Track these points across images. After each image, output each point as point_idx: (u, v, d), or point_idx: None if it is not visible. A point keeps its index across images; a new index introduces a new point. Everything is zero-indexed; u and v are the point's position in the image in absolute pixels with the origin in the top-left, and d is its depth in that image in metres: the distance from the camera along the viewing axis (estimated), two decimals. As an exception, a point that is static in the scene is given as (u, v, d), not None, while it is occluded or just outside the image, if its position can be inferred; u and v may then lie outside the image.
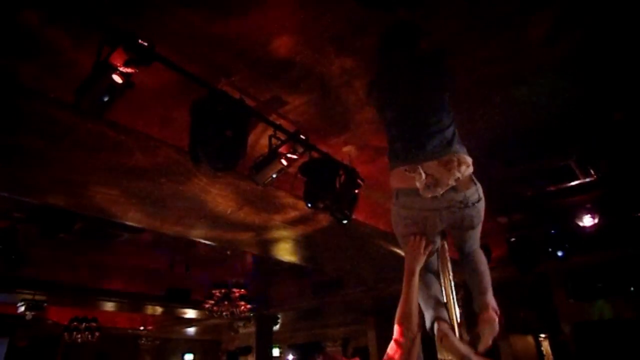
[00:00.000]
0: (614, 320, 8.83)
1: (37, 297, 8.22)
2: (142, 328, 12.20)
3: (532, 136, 4.83)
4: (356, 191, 4.75)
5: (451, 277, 2.12)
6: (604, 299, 8.99)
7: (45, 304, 8.41)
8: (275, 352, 12.58)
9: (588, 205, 6.44)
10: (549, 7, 3.33)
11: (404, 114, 1.98)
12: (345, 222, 4.76)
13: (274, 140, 4.13)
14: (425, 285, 2.09)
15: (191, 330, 13.53)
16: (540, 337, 10.17)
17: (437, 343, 1.90)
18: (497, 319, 1.92)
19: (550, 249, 7.05)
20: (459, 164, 1.81)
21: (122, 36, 2.92)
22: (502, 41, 3.61)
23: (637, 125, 4.90)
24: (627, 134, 5.06)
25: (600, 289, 8.95)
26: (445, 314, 1.97)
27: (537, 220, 7.05)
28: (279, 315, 12.17)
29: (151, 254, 9.05)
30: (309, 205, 4.54)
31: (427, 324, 2.01)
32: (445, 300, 2.06)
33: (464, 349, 1.80)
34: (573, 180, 5.58)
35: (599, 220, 6.48)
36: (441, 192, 1.78)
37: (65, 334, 10.10)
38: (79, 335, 9.97)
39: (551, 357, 10.00)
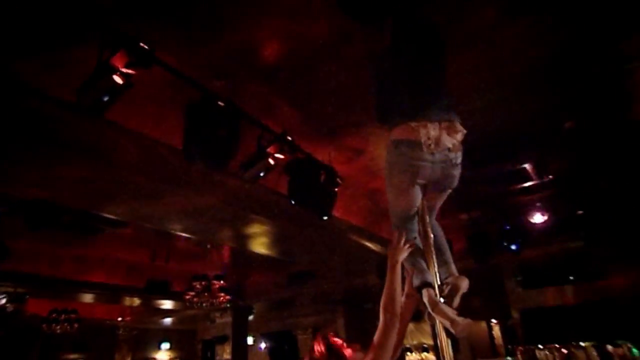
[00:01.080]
0: (557, 306, 9.23)
1: (19, 290, 7.94)
2: (120, 319, 11.89)
3: (494, 141, 4.99)
4: (335, 189, 4.80)
5: (432, 236, 2.16)
6: (547, 287, 9.38)
7: (27, 297, 8.11)
8: (249, 340, 12.47)
9: (538, 204, 6.71)
10: (516, 25, 3.49)
11: (413, 76, 2.07)
12: (325, 217, 4.80)
13: (262, 141, 4.14)
14: (410, 253, 2.11)
15: (168, 320, 13.31)
16: (492, 322, 10.44)
17: (430, 309, 1.94)
18: (466, 280, 2.06)
19: (504, 243, 7.30)
20: (456, 131, 1.98)
21: (124, 39, 2.87)
22: (469, 57, 3.76)
23: (584, 134, 5.15)
24: (576, 141, 5.31)
25: (545, 279, 9.26)
26: (430, 279, 2.02)
27: (494, 217, 7.30)
28: (254, 306, 12.12)
29: (132, 248, 8.86)
30: (293, 202, 4.57)
31: (415, 284, 2.06)
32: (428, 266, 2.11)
33: (451, 311, 1.88)
34: (527, 182, 5.81)
35: (548, 217, 6.77)
36: (438, 151, 1.94)
37: (44, 325, 9.78)
38: (58, 327, 9.61)
39: (501, 340, 10.29)
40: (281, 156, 4.17)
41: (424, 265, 2.09)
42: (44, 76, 3.27)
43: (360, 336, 11.61)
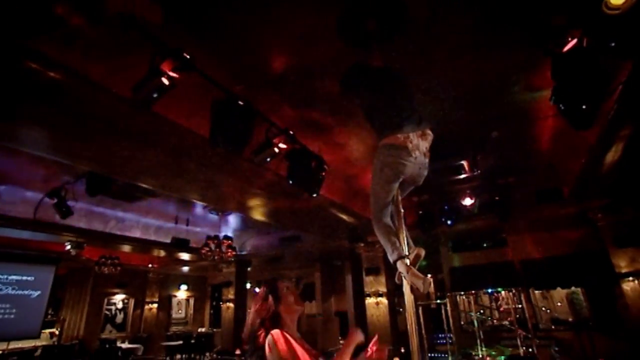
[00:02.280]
0: (473, 265, 9.62)
1: (79, 240, 7.94)
2: (150, 265, 11.77)
3: (442, 143, 5.08)
4: (322, 174, 4.83)
5: (403, 220, 2.22)
6: (469, 251, 9.74)
7: (85, 245, 8.09)
8: (248, 285, 12.53)
9: (468, 191, 6.90)
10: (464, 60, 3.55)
11: (396, 101, 2.18)
12: (314, 195, 4.84)
13: (269, 134, 4.13)
14: (386, 231, 2.16)
15: (186, 268, 13.21)
16: (428, 276, 10.81)
17: (405, 274, 2.02)
18: (424, 250, 2.16)
19: (442, 219, 7.50)
20: (427, 136, 2.11)
21: (172, 50, 2.81)
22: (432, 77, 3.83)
23: (504, 142, 5.31)
24: (498, 147, 5.47)
25: (468, 246, 9.61)
26: (404, 253, 2.09)
27: (437, 199, 7.48)
28: (252, 260, 12.14)
29: (161, 213, 8.76)
30: (290, 182, 4.58)
31: (391, 259, 2.11)
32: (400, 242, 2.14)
33: (421, 275, 1.97)
34: (463, 174, 5.95)
35: (474, 201, 6.98)
36: (418, 155, 2.05)
37: (95, 266, 9.79)
38: (105, 268, 9.58)
39: (433, 289, 10.67)
40: (284, 146, 4.18)
41: (397, 241, 2.13)
42: (108, 77, 3.18)
43: (331, 285, 11.82)
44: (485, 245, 9.63)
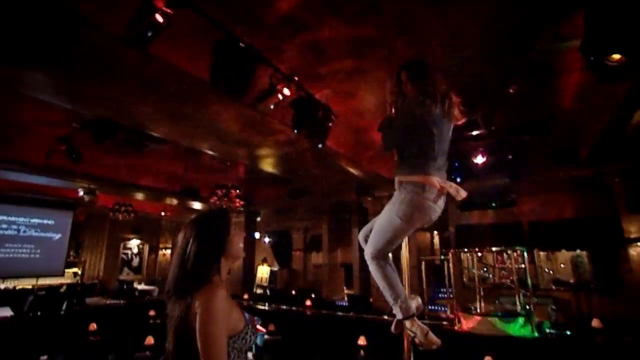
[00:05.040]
0: (480, 224, 9.65)
1: (91, 186, 8.20)
2: (162, 213, 12.18)
3: (456, 95, 4.82)
4: (329, 124, 4.69)
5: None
6: (477, 210, 9.72)
7: (97, 192, 8.39)
8: (257, 235, 12.92)
9: (481, 149, 6.69)
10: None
11: (440, 144, 1.88)
12: (320, 146, 4.73)
13: (273, 79, 3.94)
14: (388, 275, 1.94)
15: (196, 217, 13.67)
16: (434, 233, 10.94)
17: (421, 336, 1.83)
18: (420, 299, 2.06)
19: (452, 176, 7.35)
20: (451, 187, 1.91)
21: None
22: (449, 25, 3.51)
23: (524, 97, 4.99)
24: (516, 103, 5.16)
25: (475, 204, 9.57)
26: (413, 310, 1.92)
27: (447, 155, 7.26)
28: (261, 211, 12.39)
29: (171, 161, 8.82)
30: (295, 131, 4.46)
31: (395, 310, 1.94)
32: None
33: (435, 338, 1.84)
34: (477, 130, 5.71)
35: (486, 159, 6.78)
36: (442, 204, 1.88)
37: (110, 213, 10.21)
38: (120, 215, 9.98)
39: (439, 246, 10.83)
40: (288, 93, 4.01)
41: (403, 293, 1.93)
42: (99, 13, 2.99)
43: (337, 237, 12.08)
44: (494, 204, 9.56)
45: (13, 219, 10.30)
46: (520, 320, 5.31)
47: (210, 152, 6.76)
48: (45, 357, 4.88)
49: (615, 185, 7.38)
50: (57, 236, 11.12)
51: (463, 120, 2.02)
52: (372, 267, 1.94)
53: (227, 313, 1.30)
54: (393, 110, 2.11)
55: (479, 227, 9.72)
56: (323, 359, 6.11)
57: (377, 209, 9.81)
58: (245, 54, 3.42)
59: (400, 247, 2.09)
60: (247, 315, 1.44)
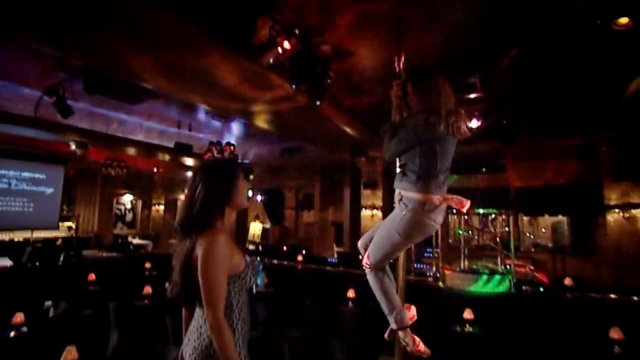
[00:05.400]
0: (470, 188, 9.82)
1: (82, 140, 8.05)
2: (155, 170, 12.11)
3: (457, 55, 4.75)
4: (328, 81, 4.60)
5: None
6: (466, 174, 9.89)
7: (88, 146, 8.24)
8: (250, 193, 13.01)
9: (476, 113, 6.69)
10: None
11: (442, 161, 1.82)
12: (318, 102, 4.69)
13: (273, 32, 3.82)
14: (386, 287, 1.97)
15: (189, 173, 13.61)
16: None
17: (414, 346, 1.90)
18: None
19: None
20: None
21: None
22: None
23: (524, 62, 4.93)
24: (516, 67, 5.10)
25: (467, 168, 9.68)
26: (407, 321, 1.95)
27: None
28: (254, 169, 12.36)
29: (164, 117, 8.67)
30: (294, 86, 4.40)
31: (389, 320, 1.97)
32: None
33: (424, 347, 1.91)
34: (473, 94, 5.67)
35: (481, 123, 6.82)
36: (440, 221, 1.87)
37: (102, 168, 10.07)
38: (112, 171, 9.89)
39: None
40: (288, 47, 3.90)
41: (398, 303, 1.95)
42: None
43: (329, 196, 12.27)
44: (484, 169, 9.75)
45: (3, 172, 10.15)
46: (499, 277, 5.66)
47: (206, 107, 6.63)
48: (49, 302, 5.05)
49: (602, 153, 7.58)
50: (50, 190, 11.07)
51: (468, 135, 1.95)
52: (370, 278, 1.98)
53: (227, 256, 1.41)
54: (397, 117, 2.04)
55: (468, 191, 9.94)
56: (313, 309, 6.46)
57: (369, 170, 9.94)
58: (247, 2, 3.29)
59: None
60: (248, 258, 1.56)
